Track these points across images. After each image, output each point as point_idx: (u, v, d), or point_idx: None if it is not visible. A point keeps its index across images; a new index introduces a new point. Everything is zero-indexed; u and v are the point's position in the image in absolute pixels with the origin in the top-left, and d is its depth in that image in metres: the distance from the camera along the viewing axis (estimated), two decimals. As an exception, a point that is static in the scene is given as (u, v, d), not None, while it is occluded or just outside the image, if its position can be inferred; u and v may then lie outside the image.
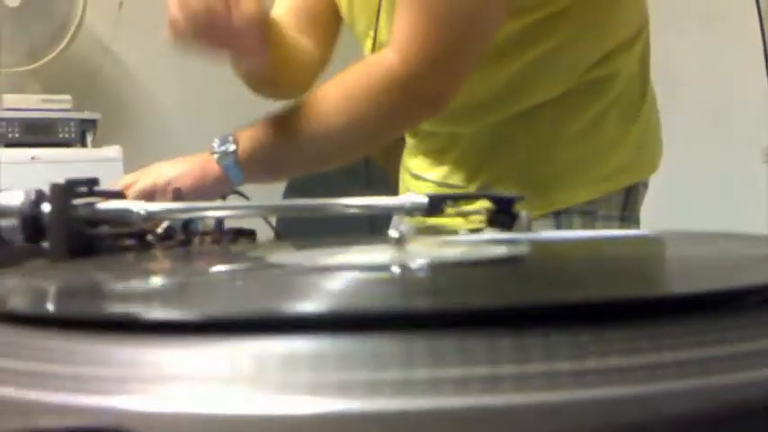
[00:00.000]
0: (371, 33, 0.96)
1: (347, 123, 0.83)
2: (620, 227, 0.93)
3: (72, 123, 2.63)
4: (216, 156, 0.90)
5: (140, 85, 3.12)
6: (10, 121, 2.56)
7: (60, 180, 2.23)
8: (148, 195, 0.88)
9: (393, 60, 0.80)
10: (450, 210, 0.43)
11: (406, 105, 0.82)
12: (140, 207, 0.44)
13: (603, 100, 0.92)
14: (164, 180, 0.90)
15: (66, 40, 2.67)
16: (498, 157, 0.94)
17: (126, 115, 3.03)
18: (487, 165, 0.94)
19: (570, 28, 0.89)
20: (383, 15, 0.92)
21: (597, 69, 0.91)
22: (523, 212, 0.40)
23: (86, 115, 2.67)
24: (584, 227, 0.90)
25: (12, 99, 2.60)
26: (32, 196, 0.43)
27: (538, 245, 0.38)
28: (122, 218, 0.44)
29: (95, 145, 2.69)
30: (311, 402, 0.17)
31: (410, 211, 0.43)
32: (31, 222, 0.43)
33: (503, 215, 0.41)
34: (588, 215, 0.91)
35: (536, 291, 0.24)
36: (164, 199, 0.81)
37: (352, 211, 0.44)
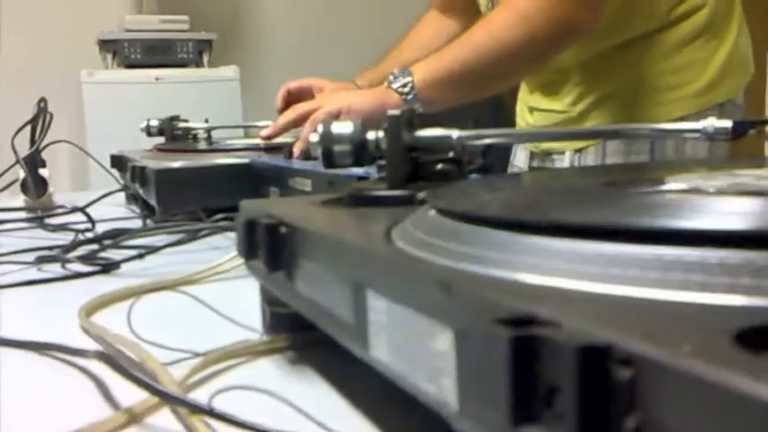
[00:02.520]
0: None
1: (495, 59, 0.95)
2: (710, 146, 1.02)
3: (190, 44, 2.69)
4: (396, 86, 0.98)
5: (255, 5, 3.15)
6: (132, 42, 2.64)
7: (183, 99, 2.31)
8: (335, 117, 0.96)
9: None
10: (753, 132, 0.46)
11: (556, 37, 0.94)
12: (455, 134, 0.47)
13: (693, 26, 1.04)
14: (346, 104, 0.99)
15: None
16: (602, 82, 1.07)
17: (241, 35, 3.07)
18: (593, 90, 1.07)
19: None
20: None
21: (683, 4, 1.03)
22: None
23: (203, 36, 2.73)
24: (676, 146, 1.02)
25: (133, 20, 2.67)
26: (359, 126, 0.47)
27: None
28: (439, 144, 0.48)
29: (212, 65, 2.75)
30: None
31: (713, 135, 0.46)
32: (360, 149, 0.47)
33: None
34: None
35: None
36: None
37: (652, 134, 0.46)
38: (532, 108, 1.18)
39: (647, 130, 0.48)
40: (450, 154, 0.50)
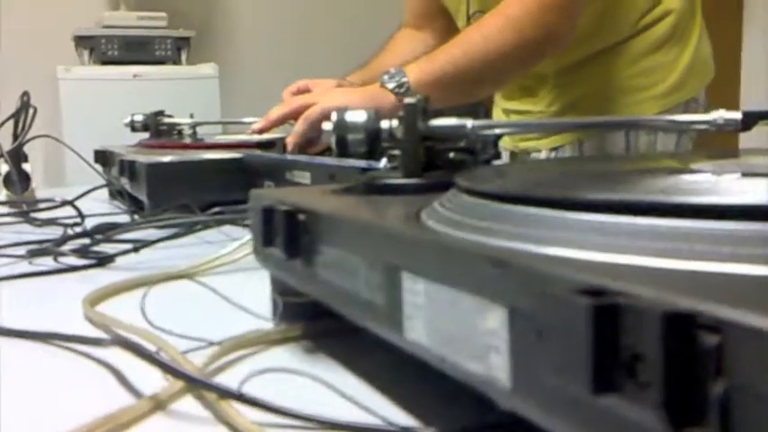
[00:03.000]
0: (463, 8, 1.17)
1: (485, 61, 0.99)
2: (678, 138, 1.11)
3: (168, 41, 2.67)
4: (391, 86, 1.00)
5: (233, 2, 3.12)
6: (109, 38, 2.61)
7: (161, 97, 2.29)
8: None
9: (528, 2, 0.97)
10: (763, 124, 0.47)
11: (541, 43, 0.99)
12: (470, 123, 0.47)
13: (660, 32, 1.11)
14: (343, 104, 0.99)
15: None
16: (576, 86, 1.12)
17: (219, 33, 3.05)
18: (568, 93, 1.13)
19: None
20: None
21: (651, 14, 1.10)
22: None
23: (181, 33, 2.71)
24: (648, 140, 1.09)
25: (110, 16, 2.64)
26: (373, 115, 0.47)
27: None
28: (453, 133, 0.48)
29: (190, 62, 2.73)
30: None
31: (722, 126, 0.46)
32: (373, 137, 0.47)
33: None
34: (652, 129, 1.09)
35: None
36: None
37: (663, 125, 0.46)
38: (509, 111, 1.23)
39: (661, 121, 0.49)
40: (463, 143, 0.50)
